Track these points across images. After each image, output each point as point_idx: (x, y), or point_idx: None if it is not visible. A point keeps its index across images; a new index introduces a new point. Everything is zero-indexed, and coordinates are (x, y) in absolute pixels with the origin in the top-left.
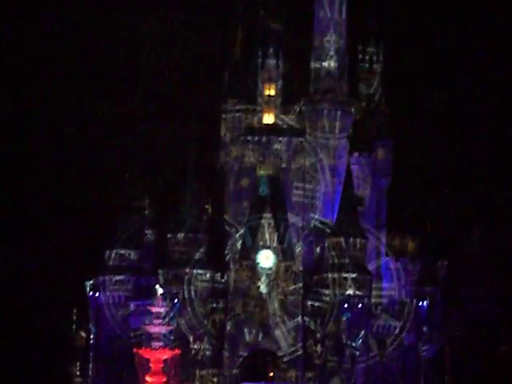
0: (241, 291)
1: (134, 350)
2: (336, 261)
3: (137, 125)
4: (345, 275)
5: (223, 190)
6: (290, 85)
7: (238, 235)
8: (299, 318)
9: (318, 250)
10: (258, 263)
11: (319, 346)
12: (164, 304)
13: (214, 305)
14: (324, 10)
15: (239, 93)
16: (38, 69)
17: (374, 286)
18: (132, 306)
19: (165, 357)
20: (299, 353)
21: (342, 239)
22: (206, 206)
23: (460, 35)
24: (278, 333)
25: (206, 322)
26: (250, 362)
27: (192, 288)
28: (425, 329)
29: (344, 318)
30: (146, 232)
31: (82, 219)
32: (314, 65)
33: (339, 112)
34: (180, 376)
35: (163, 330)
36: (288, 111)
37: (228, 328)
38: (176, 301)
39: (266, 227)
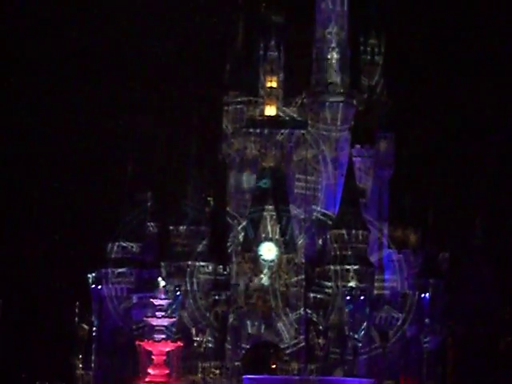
0: (243, 283)
1: (137, 343)
2: (338, 253)
3: (139, 117)
4: (347, 267)
5: (225, 182)
6: (291, 77)
7: (240, 227)
8: (301, 310)
9: (320, 242)
10: (260, 255)
11: (321, 337)
12: (166, 296)
13: (217, 297)
14: (326, 2)
15: (241, 85)
16: (37, 61)
17: (376, 277)
18: (134, 299)
19: (167, 349)
20: (301, 345)
21: (344, 231)
22: (208, 199)
23: (461, 26)
24: (280, 325)
25: (208, 315)
26: (253, 354)
27: (194, 280)
28: (427, 321)
29: (346, 310)
30: (149, 224)
31: (84, 212)
32: (315, 57)
33: (341, 104)
34: (182, 368)
35: (165, 322)
36: (290, 103)
37: (230, 320)
38: (178, 293)
39: (268, 219)
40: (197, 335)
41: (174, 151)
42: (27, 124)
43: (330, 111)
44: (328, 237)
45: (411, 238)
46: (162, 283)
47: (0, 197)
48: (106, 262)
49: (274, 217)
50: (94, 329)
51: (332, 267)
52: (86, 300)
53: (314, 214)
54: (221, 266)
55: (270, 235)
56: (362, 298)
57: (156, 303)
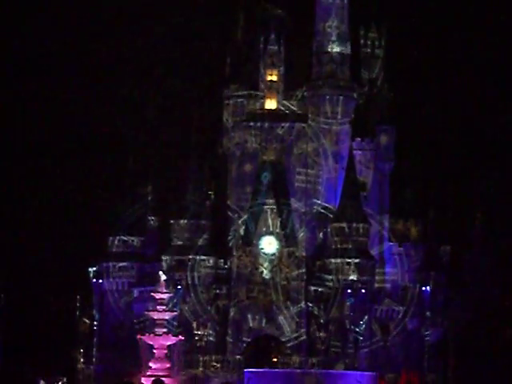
0: (244, 277)
1: (138, 337)
2: (339, 246)
3: (139, 111)
4: (348, 260)
5: (226, 175)
6: (292, 70)
7: (240, 221)
8: (302, 304)
9: (320, 235)
10: (261, 249)
11: (322, 331)
12: (167, 290)
13: (218, 291)
14: None
15: (241, 78)
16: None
17: (377, 271)
18: (135, 293)
19: (168, 343)
20: (303, 338)
21: (344, 224)
22: (209, 192)
23: (462, 19)
24: (281, 318)
25: (209, 308)
26: (254, 347)
27: (195, 274)
28: (428, 314)
29: (347, 303)
30: (149, 218)
31: (85, 206)
32: (316, 50)
33: (341, 97)
34: (183, 362)
35: (167, 316)
36: (290, 97)
37: (231, 314)
38: (179, 287)
39: (269, 213)
40: (198, 329)
41: (174, 145)
42: (28, 117)
43: (331, 104)
44: (329, 230)
45: (412, 231)
46: (163, 277)
47: (0, 190)
48: (107, 256)
49: (275, 210)
50: (95, 323)
51: (333, 260)
52: (87, 294)
53: (315, 207)
54: (222, 260)
55: (271, 229)
56: (362, 291)
57: (157, 297)
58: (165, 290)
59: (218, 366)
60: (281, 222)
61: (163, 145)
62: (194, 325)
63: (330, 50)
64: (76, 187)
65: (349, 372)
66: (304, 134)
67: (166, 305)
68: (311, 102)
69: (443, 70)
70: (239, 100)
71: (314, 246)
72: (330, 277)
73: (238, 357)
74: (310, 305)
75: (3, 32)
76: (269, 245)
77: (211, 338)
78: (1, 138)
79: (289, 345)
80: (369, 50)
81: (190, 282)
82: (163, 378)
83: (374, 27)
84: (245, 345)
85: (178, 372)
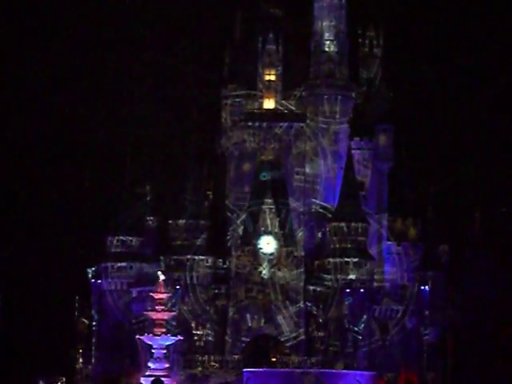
0: (243, 277)
1: (137, 337)
2: (338, 245)
3: (138, 111)
4: (346, 260)
5: (224, 175)
6: (290, 70)
7: (239, 221)
8: (301, 303)
9: (319, 234)
10: (259, 249)
11: (321, 330)
12: (166, 290)
13: (216, 291)
14: None
15: (239, 78)
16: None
17: (375, 270)
18: (134, 293)
19: (167, 343)
20: (301, 338)
21: (343, 224)
22: (208, 192)
23: (460, 17)
24: (280, 318)
25: (208, 308)
26: (253, 347)
27: (194, 274)
28: (427, 313)
29: (346, 303)
30: (148, 218)
31: (83, 206)
32: (314, 50)
33: (340, 97)
34: (182, 362)
35: (165, 316)
36: (288, 96)
37: (230, 314)
38: (178, 287)
39: (268, 213)
40: (197, 329)
41: (173, 145)
42: (28, 117)
43: (329, 104)
44: (327, 229)
45: (411, 230)
46: (162, 277)
47: (0, 190)
48: (106, 256)
49: (274, 210)
50: (94, 323)
51: (331, 260)
52: (85, 294)
53: (314, 206)
54: (220, 260)
55: (270, 228)
56: (361, 290)
57: (156, 297)
58: (163, 290)
59: (217, 365)
60: (279, 222)
61: (162, 145)
62: (193, 325)
63: (328, 49)
64: (75, 187)
65: (348, 371)
66: (302, 133)
67: (165, 305)
68: (309, 102)
69: (441, 68)
70: (237, 100)
71: (313, 245)
72: (329, 276)
73: (236, 356)
74: (309, 304)
75: (4, 33)
76: (267, 244)
77: (210, 338)
78: (1, 138)
79: (288, 344)
80: (367, 50)
81: (188, 282)
82: (162, 378)
83: (371, 26)
84: (244, 344)
85: (177, 372)
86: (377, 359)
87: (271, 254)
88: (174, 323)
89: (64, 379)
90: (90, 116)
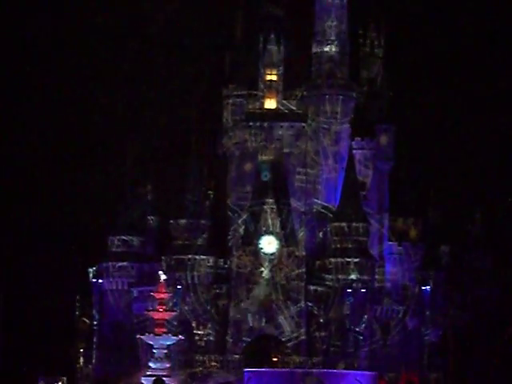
0: (244, 277)
1: (138, 336)
2: (339, 245)
3: (139, 110)
4: (347, 260)
5: (225, 175)
6: (291, 70)
7: (240, 221)
8: (302, 303)
9: (320, 234)
10: (260, 249)
11: (322, 330)
12: (167, 290)
13: (217, 290)
14: None
15: (241, 78)
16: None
17: (376, 270)
18: (135, 293)
19: (168, 343)
20: (302, 338)
21: (344, 224)
22: (209, 192)
23: (462, 17)
24: (281, 318)
25: (209, 308)
26: (254, 347)
27: (195, 274)
28: (428, 313)
29: (347, 303)
30: (149, 218)
31: (84, 205)
32: (315, 50)
33: (341, 97)
34: (183, 362)
35: (166, 316)
36: (290, 96)
37: (231, 314)
38: (179, 287)
39: (269, 212)
40: (198, 329)
41: (174, 144)
42: (28, 118)
43: (330, 104)
44: (328, 229)
45: (412, 230)
46: (163, 277)
47: (0, 191)
48: (107, 256)
49: (275, 210)
50: (95, 323)
51: (333, 260)
52: (86, 294)
53: (315, 206)
54: (221, 260)
55: (271, 228)
56: (362, 290)
57: (157, 297)
58: (164, 290)
59: (218, 365)
60: (280, 222)
61: (163, 144)
62: (194, 324)
63: (329, 49)
64: (76, 187)
65: (349, 371)
66: (303, 133)
67: (166, 304)
68: (311, 102)
69: (443, 68)
70: (239, 100)
71: (314, 245)
72: (330, 276)
73: (237, 356)
74: (310, 304)
75: (5, 31)
76: (268, 244)
77: (211, 338)
78: (1, 138)
79: (289, 344)
80: (368, 50)
81: (189, 282)
82: (163, 378)
83: (373, 26)
84: (245, 344)
85: (178, 372)
86: (378, 359)
87: (272, 254)
88: (174, 323)
89: (65, 379)
90: (90, 116)
